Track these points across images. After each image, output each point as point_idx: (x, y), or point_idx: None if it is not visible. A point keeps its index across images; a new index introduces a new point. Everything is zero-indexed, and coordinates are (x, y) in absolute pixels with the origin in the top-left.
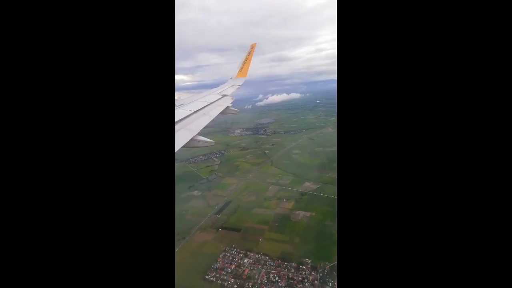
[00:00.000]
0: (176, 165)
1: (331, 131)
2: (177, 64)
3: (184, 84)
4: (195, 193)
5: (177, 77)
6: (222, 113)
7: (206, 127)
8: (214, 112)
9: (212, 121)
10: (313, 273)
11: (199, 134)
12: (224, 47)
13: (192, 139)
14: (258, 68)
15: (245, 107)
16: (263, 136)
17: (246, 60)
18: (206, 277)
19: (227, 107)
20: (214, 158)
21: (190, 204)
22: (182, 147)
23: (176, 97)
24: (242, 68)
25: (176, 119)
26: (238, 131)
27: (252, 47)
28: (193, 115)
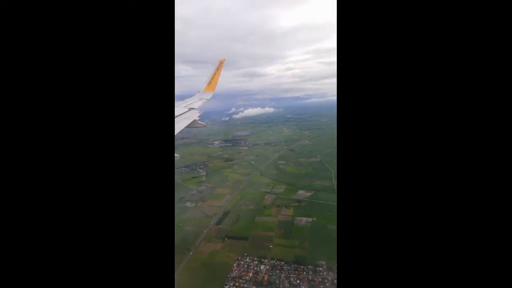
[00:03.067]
0: None
1: (308, 143)
2: None
3: None
4: (188, 204)
5: None
6: (189, 126)
7: (182, 138)
8: (180, 125)
9: (188, 132)
10: (330, 273)
11: None
12: (199, 59)
13: None
14: (231, 82)
15: (222, 119)
16: (244, 147)
17: (214, 74)
18: (225, 287)
19: (194, 120)
20: (199, 170)
21: (187, 216)
22: None
23: None
24: (210, 82)
25: None
26: (217, 142)
27: (221, 63)
28: None
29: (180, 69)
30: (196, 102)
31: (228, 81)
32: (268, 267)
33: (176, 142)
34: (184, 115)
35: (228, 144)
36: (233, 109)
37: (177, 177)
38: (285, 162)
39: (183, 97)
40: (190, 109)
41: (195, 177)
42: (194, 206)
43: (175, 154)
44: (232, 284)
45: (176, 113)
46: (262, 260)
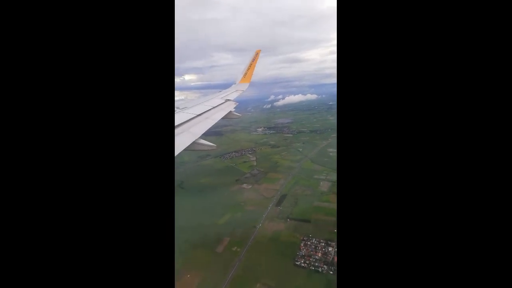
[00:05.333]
0: (212, 160)
1: None
2: (190, 64)
3: (193, 84)
4: (245, 186)
5: (187, 77)
6: (224, 117)
7: (225, 125)
8: (216, 116)
9: (229, 119)
10: None
11: (200, 137)
12: (243, 47)
13: (194, 142)
14: (270, 69)
15: (264, 106)
16: (289, 135)
17: (250, 66)
18: (296, 263)
19: (230, 111)
20: (248, 155)
21: (245, 196)
22: (184, 150)
23: (183, 97)
24: (246, 73)
25: (179, 122)
26: (260, 130)
27: (257, 53)
28: (196, 118)
29: (223, 58)
30: (232, 94)
31: (267, 68)
32: (336, 249)
33: (220, 129)
34: (221, 106)
35: (271, 131)
36: (272, 97)
37: (229, 161)
38: (335, 150)
39: (225, 86)
40: (227, 100)
41: (245, 162)
42: (251, 188)
43: (212, 144)
44: (302, 261)
45: (213, 104)
46: (329, 242)
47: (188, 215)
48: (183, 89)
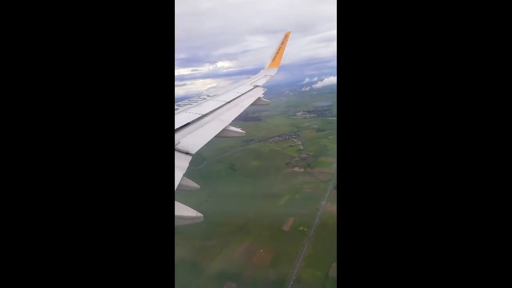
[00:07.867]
0: (257, 144)
1: None
2: (223, 50)
3: (225, 70)
4: (297, 169)
5: (219, 64)
6: (253, 104)
7: (262, 110)
8: (245, 103)
9: (265, 105)
10: None
11: (231, 124)
12: (278, 28)
13: (224, 129)
14: (305, 50)
15: (302, 89)
16: (332, 118)
17: (279, 50)
18: None
19: (259, 98)
20: (293, 139)
21: (300, 179)
22: (214, 137)
23: (215, 84)
24: (274, 58)
25: (209, 109)
26: (299, 114)
27: (286, 36)
28: (225, 106)
29: (258, 41)
30: (261, 80)
31: (299, 50)
32: None
33: (257, 115)
34: (249, 93)
35: (312, 115)
36: (307, 79)
37: (274, 145)
38: None
39: (257, 71)
40: (255, 86)
41: (291, 146)
42: (304, 172)
43: (241, 131)
44: None
45: (242, 91)
46: None
47: (246, 196)
48: (215, 76)
